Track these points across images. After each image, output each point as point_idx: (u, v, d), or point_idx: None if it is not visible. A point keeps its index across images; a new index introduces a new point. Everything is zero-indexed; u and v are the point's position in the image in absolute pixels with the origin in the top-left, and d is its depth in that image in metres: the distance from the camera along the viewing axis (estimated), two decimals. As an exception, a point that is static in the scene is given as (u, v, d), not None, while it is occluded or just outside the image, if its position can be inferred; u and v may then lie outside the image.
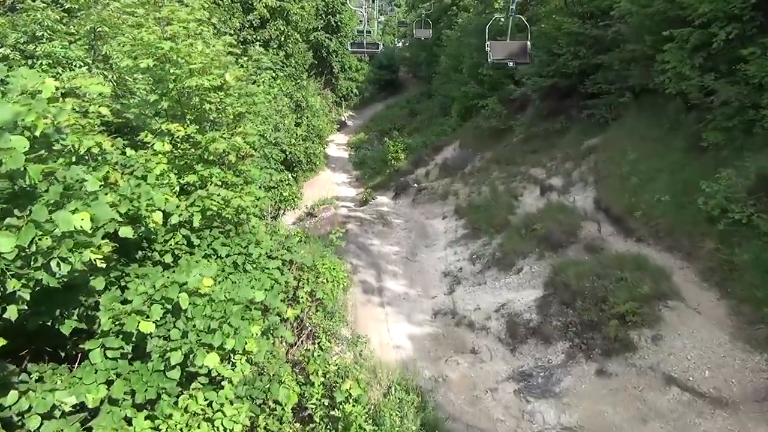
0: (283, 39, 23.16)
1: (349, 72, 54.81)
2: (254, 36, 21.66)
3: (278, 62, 25.47)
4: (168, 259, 7.22)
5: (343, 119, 55.96)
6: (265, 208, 16.40)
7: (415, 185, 30.63)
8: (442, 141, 34.86)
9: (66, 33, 11.89)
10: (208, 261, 7.53)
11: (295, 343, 10.83)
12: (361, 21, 51.54)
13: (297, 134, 24.29)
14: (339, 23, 50.82)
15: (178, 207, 7.12)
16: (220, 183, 8.42)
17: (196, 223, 7.23)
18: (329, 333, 11.13)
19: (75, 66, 10.73)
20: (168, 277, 6.08)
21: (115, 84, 10.30)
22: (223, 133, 8.75)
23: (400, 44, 72.10)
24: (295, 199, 16.73)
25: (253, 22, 21.26)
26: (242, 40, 21.18)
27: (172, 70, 7.97)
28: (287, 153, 16.36)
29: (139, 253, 7.26)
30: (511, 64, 19.85)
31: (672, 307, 10.65)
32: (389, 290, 16.32)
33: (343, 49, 52.13)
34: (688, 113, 16.03)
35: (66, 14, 12.96)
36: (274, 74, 24.07)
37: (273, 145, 15.25)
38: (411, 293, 16.08)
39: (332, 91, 53.72)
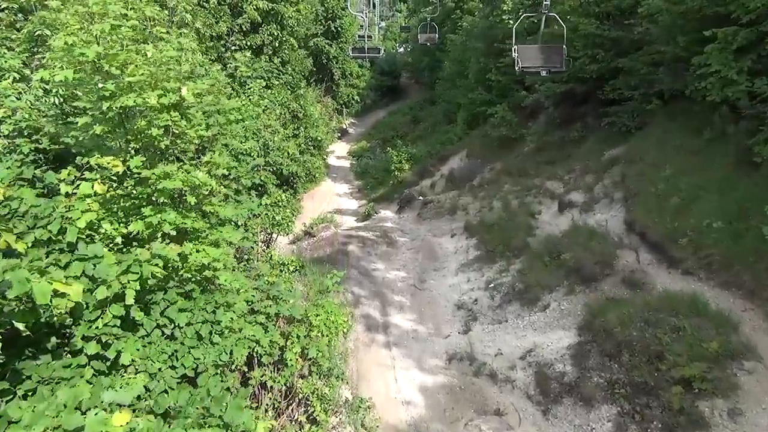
0: (277, 45, 21.07)
1: (350, 78, 52.72)
2: (244, 42, 19.58)
3: (273, 70, 23.43)
4: (92, 349, 5.10)
5: (345, 127, 53.85)
6: (256, 232, 14.33)
7: (420, 198, 28.53)
8: (448, 150, 32.72)
9: (3, 38, 9.81)
10: (135, 372, 5.37)
11: (281, 414, 8.70)
12: (361, 26, 49.69)
13: (292, 149, 22.19)
14: (339, 29, 48.77)
15: (104, 281, 5.00)
16: (176, 231, 6.29)
17: (129, 300, 5.10)
18: (324, 399, 9.00)
19: (6, 77, 8.62)
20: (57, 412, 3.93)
21: (56, 100, 8.17)
22: (184, 165, 6.64)
23: (402, 50, 70.02)
24: (289, 224, 14.59)
25: (243, 27, 19.19)
26: (230, 46, 19.15)
27: (101, 84, 5.84)
28: (282, 169, 14.46)
29: (52, 340, 5.14)
30: (543, 72, 17.38)
31: (749, 369, 8.49)
32: (396, 327, 14.19)
33: (344, 56, 50.07)
34: (736, 123, 13.88)
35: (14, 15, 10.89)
36: (266, 83, 22.03)
37: (259, 169, 13.14)
38: (421, 331, 13.94)
39: (333, 99, 51.64)
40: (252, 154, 12.13)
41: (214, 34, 16.97)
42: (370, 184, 37.68)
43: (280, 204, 14.73)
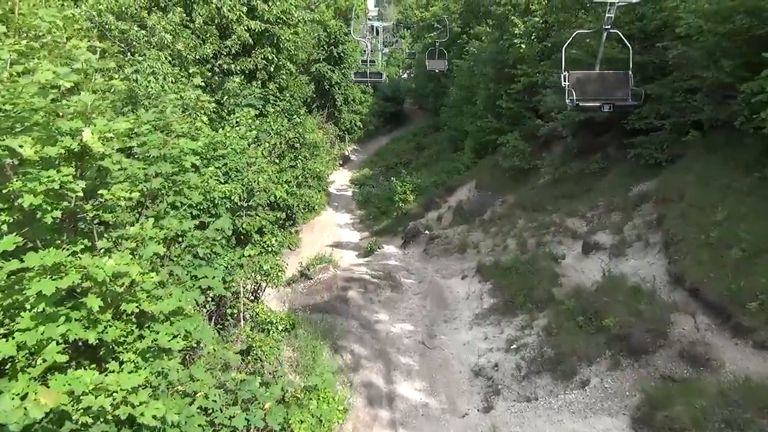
0: (272, 69, 19.02)
1: (352, 104, 50.84)
2: (233, 66, 17.44)
3: (269, 96, 21.38)
4: None
5: (347, 153, 51.88)
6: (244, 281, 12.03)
7: (426, 232, 26.27)
8: (455, 181, 30.52)
9: None
10: None
11: None
12: (364, 51, 47.95)
13: (287, 182, 19.99)
14: (342, 54, 47.00)
15: None
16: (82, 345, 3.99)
17: None
18: None
19: None
20: None
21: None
22: (91, 246, 4.36)
23: (405, 75, 68.46)
24: (279, 275, 12.29)
25: (233, 49, 17.11)
26: (217, 70, 17.05)
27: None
28: (277, 201, 12.52)
29: None
30: (606, 108, 13.52)
31: None
32: (403, 399, 11.81)
33: (347, 81, 48.29)
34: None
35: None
36: (260, 110, 19.92)
37: (242, 214, 10.90)
38: (432, 405, 11.55)
39: (335, 125, 49.69)
40: (233, 197, 9.87)
41: (198, 57, 14.90)
42: (372, 214, 35.49)
43: (270, 249, 12.43)
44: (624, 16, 19.64)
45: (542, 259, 16.66)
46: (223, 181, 10.29)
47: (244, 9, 16.71)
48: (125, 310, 4.31)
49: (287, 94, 23.98)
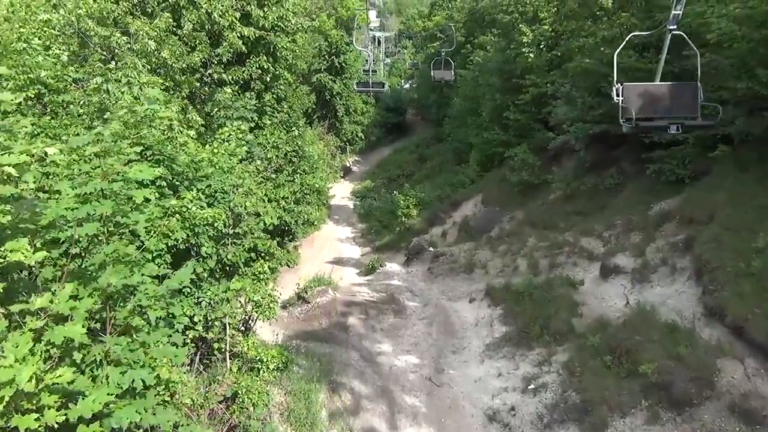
0: (269, 79, 17.72)
1: (354, 115, 49.59)
2: (224, 75, 16.08)
3: (266, 107, 20.08)
4: None
5: (348, 165, 50.58)
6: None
7: (431, 249, 24.91)
8: (460, 195, 29.15)
9: None
10: None
11: None
12: (366, 61, 46.76)
13: (284, 198, 18.68)
14: (343, 64, 45.83)
15: None
16: None
17: None
18: None
19: None
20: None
21: None
22: None
23: (408, 86, 67.32)
24: (272, 306, 10.90)
25: (224, 58, 15.78)
26: (207, 80, 15.68)
27: None
28: (267, 228, 11.23)
29: None
30: (673, 129, 10.78)
31: None
32: (409, 450, 10.39)
33: (348, 92, 47.11)
34: None
35: None
36: (256, 122, 18.60)
37: (227, 243, 9.52)
38: (442, 457, 10.13)
39: (336, 136, 48.44)
40: (216, 224, 8.52)
41: (185, 66, 13.57)
42: (374, 228, 34.15)
43: (261, 277, 11.05)
44: (640, 23, 18.39)
45: (558, 284, 15.27)
46: (206, 205, 8.93)
47: (237, 15, 15.40)
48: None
49: (285, 105, 22.67)
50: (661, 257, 14.26)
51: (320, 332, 15.87)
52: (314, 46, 44.69)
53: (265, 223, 9.77)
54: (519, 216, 23.04)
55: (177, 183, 8.87)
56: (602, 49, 19.45)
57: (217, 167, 9.52)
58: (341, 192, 44.70)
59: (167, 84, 12.49)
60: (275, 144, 18.39)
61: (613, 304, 13.67)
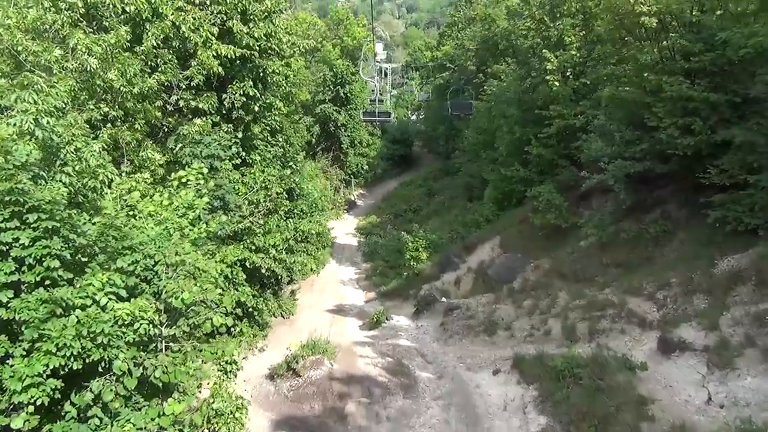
0: (257, 109, 14.70)
1: (359, 147, 46.82)
2: (196, 102, 12.93)
3: (256, 141, 17.10)
4: None
5: (353, 199, 47.66)
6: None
7: (443, 300, 21.68)
8: (475, 237, 25.91)
9: None
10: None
11: None
12: (373, 91, 44.25)
13: (274, 246, 15.51)
14: (349, 95, 43.22)
15: None
16: None
17: None
18: None
19: None
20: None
21: None
22: None
23: (414, 117, 64.89)
24: (239, 413, 7.65)
25: (194, 81, 12.69)
26: (171, 108, 12.62)
27: None
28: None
29: None
30: None
31: None
32: None
33: (354, 123, 44.47)
34: None
35: None
36: (241, 159, 15.59)
37: (154, 343, 6.33)
38: None
39: (341, 168, 45.61)
40: (139, 326, 5.35)
41: (142, 91, 10.53)
42: (379, 269, 30.95)
43: (228, 369, 7.81)
44: (691, 45, 15.42)
45: (611, 364, 11.92)
46: (125, 294, 5.77)
47: (215, 30, 12.43)
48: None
49: (281, 138, 19.69)
50: (744, 333, 11.05)
51: (311, 420, 12.57)
52: (318, 76, 42.19)
53: (212, 324, 6.62)
54: (545, 265, 19.78)
55: (84, 260, 5.71)
56: (645, 75, 16.48)
57: (152, 233, 6.35)
58: (345, 228, 41.71)
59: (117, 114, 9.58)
60: (264, 184, 15.29)
61: (688, 397, 10.39)
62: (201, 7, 12.75)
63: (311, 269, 22.58)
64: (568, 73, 21.47)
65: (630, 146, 17.03)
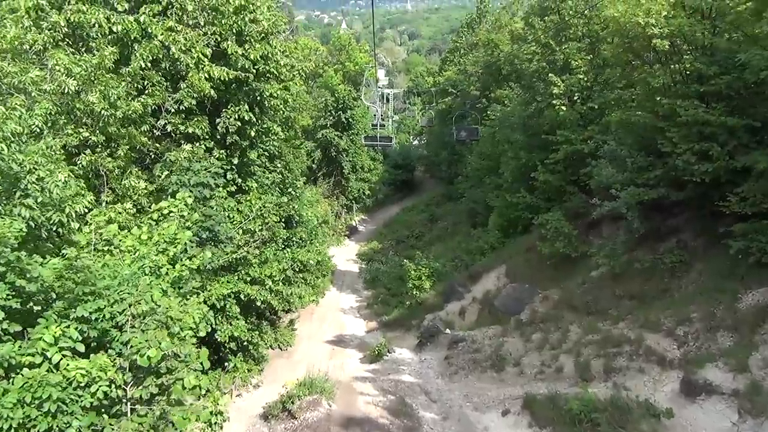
0: (254, 134, 13.97)
1: (361, 172, 46.17)
2: (186, 127, 12.17)
3: (253, 167, 16.37)
4: None
5: (354, 224, 46.86)
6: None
7: (448, 331, 20.70)
8: (480, 265, 25.01)
9: None
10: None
11: None
12: (375, 115, 43.76)
13: (270, 277, 14.66)
14: (350, 120, 42.73)
15: None
16: None
17: None
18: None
19: None
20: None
21: None
22: None
23: (416, 142, 64.48)
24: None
25: (184, 105, 11.97)
26: (159, 133, 11.83)
27: None
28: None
29: None
30: None
31: None
32: None
33: (355, 148, 43.92)
34: None
35: None
36: (236, 186, 14.82)
37: (117, 406, 5.44)
38: None
39: (342, 194, 44.91)
40: (97, 388, 4.46)
41: (126, 115, 9.76)
42: (381, 297, 29.99)
43: (212, 420, 6.86)
44: (705, 68, 14.74)
45: (632, 409, 10.94)
46: (84, 348, 4.90)
47: (208, 51, 11.72)
48: None
49: (279, 164, 18.96)
50: (779, 380, 10.09)
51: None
52: (320, 101, 41.74)
53: (184, 386, 5.71)
54: (554, 295, 18.86)
55: (37, 309, 4.86)
56: (658, 99, 15.76)
57: (126, 272, 5.52)
58: (346, 254, 40.86)
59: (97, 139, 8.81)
60: (260, 212, 14.49)
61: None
62: (194, 28, 12.08)
63: (310, 299, 21.60)
64: (575, 98, 20.81)
65: (643, 172, 16.27)
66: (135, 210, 9.36)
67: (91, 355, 4.90)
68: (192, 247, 8.47)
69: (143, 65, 10.77)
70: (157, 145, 11.66)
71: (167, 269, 6.68)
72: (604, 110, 20.71)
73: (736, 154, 13.93)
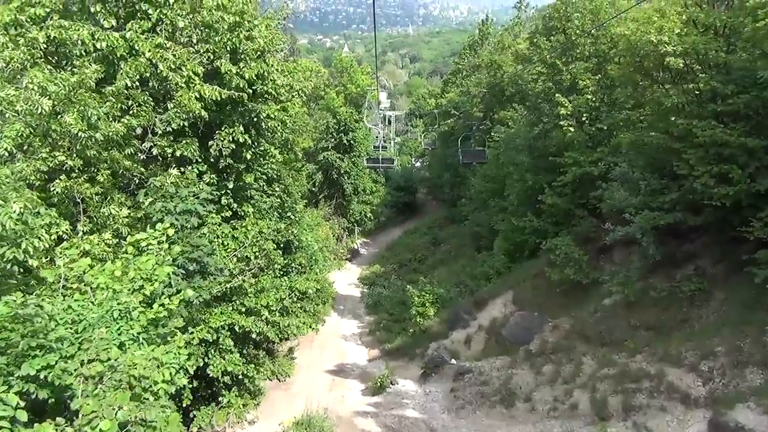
0: (249, 156, 13.24)
1: (362, 194, 45.46)
2: (173, 149, 11.40)
3: (250, 191, 15.60)
4: None
5: (356, 247, 45.99)
6: None
7: (453, 361, 19.69)
8: (486, 292, 24.06)
9: None
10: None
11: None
12: (376, 137, 43.25)
13: (267, 307, 13.81)
14: (352, 142, 42.15)
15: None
16: None
17: None
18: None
19: None
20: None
21: None
22: None
23: (419, 164, 63.92)
24: None
25: (173, 126, 11.22)
26: (143, 156, 11.04)
27: None
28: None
29: None
30: None
31: None
32: None
33: (357, 170, 43.28)
34: None
35: None
36: (231, 212, 14.05)
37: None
38: None
39: (343, 216, 44.14)
40: None
41: (104, 136, 8.98)
42: (383, 323, 28.95)
43: None
44: (722, 86, 14.03)
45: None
46: (29, 419, 4.06)
47: (201, 69, 11.02)
48: None
49: (278, 188, 18.20)
50: (818, 422, 9.15)
51: None
52: (321, 123, 41.21)
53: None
54: (565, 325, 17.90)
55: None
56: (672, 119, 15.04)
57: (92, 317, 4.69)
58: (347, 278, 39.90)
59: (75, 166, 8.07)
60: (255, 240, 13.68)
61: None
62: (186, 45, 11.43)
63: (310, 328, 20.65)
64: (583, 118, 20.11)
65: (657, 196, 15.48)
66: (116, 240, 8.60)
67: (36, 425, 4.06)
68: (178, 281, 7.68)
69: (128, 84, 10.09)
70: (142, 169, 10.89)
71: (140, 312, 5.87)
72: (612, 131, 20.03)
73: (758, 177, 13.18)
